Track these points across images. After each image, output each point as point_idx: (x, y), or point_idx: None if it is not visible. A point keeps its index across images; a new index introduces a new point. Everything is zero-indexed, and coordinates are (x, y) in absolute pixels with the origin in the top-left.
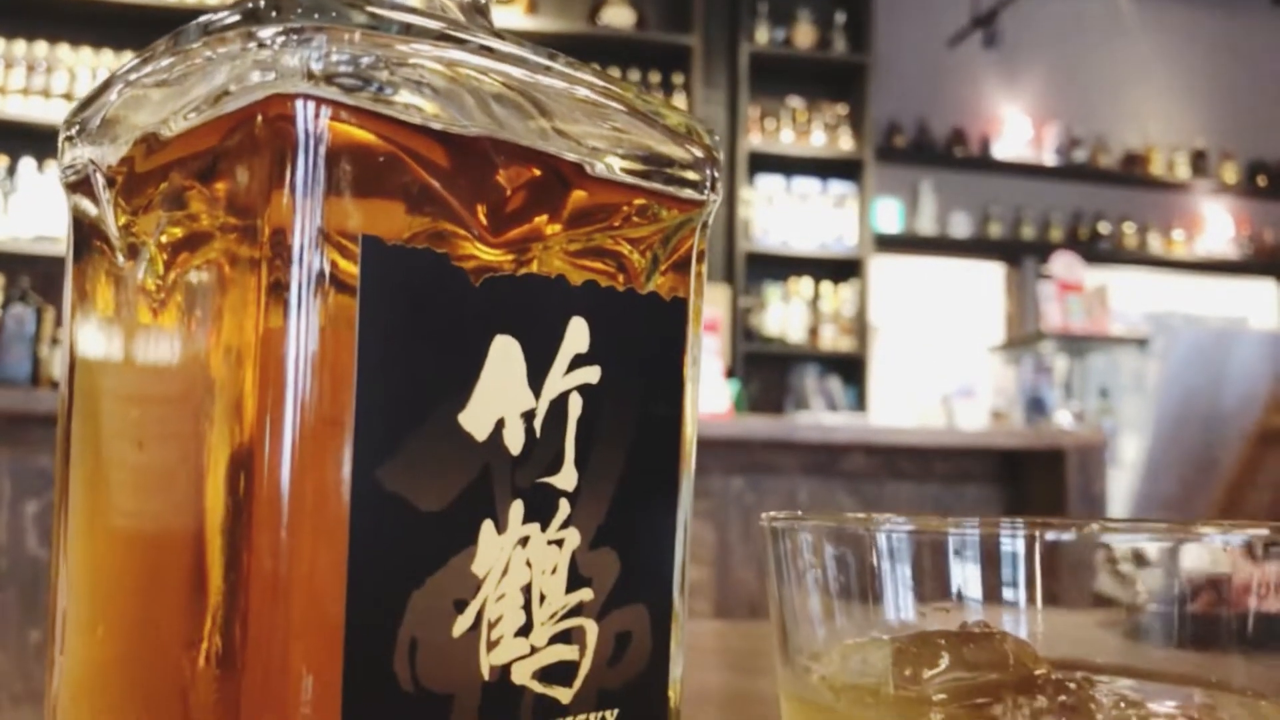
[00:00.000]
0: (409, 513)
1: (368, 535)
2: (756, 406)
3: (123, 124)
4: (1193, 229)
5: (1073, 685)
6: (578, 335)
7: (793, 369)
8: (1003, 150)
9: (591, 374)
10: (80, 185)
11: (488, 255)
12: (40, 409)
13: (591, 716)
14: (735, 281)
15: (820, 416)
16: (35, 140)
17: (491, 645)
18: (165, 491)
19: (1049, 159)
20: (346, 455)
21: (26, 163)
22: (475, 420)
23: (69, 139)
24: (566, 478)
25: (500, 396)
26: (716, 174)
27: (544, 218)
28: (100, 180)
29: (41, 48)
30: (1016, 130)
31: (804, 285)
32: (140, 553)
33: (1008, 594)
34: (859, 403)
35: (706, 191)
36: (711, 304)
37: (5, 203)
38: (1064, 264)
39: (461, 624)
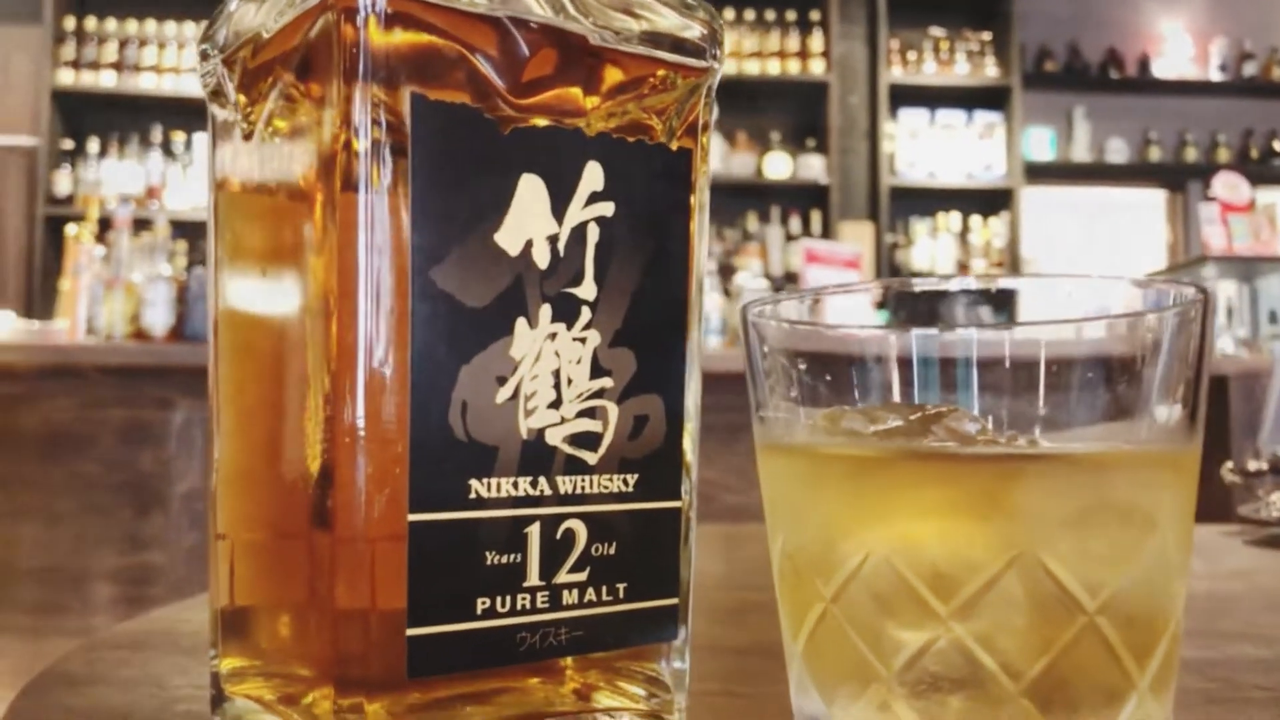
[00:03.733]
0: (456, 306)
1: (424, 320)
2: None
3: (240, 35)
4: None
5: (1001, 439)
6: (593, 176)
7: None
8: (1163, 69)
9: (606, 208)
10: (215, 85)
11: (513, 114)
12: None
13: (614, 477)
14: (879, 218)
15: None
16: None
17: (528, 413)
18: (283, 296)
19: (1215, 75)
20: (407, 261)
21: (200, 137)
22: (508, 238)
23: (204, 54)
24: (587, 290)
25: (528, 222)
26: (718, 49)
27: (578, 90)
28: (228, 80)
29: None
30: (1177, 47)
31: (952, 219)
32: (262, 354)
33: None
34: None
35: (710, 59)
36: (855, 240)
37: (184, 174)
38: (1226, 184)
39: (503, 394)
